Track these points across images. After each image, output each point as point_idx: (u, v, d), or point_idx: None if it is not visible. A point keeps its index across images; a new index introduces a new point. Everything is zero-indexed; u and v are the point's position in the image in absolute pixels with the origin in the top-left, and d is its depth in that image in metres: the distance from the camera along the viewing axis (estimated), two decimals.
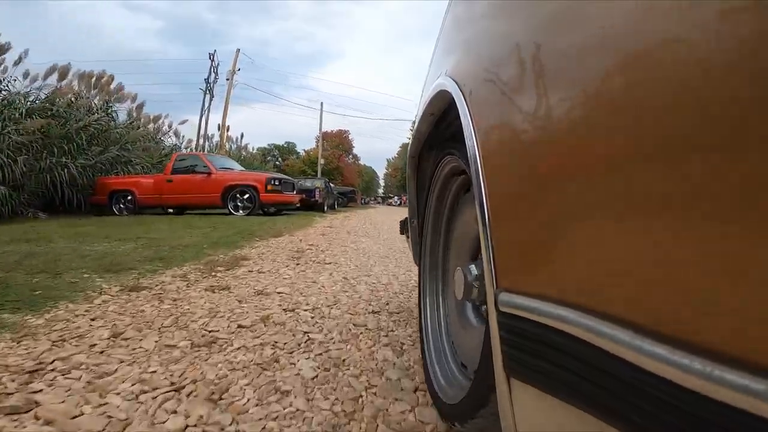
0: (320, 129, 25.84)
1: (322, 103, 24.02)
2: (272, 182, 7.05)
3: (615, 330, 0.24)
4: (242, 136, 16.88)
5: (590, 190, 0.29)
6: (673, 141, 0.22)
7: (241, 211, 6.83)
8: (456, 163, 0.82)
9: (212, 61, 17.12)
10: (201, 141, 14.57)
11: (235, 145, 16.22)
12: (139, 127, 9.24)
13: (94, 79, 8.07)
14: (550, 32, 0.37)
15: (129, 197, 7.11)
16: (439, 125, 0.90)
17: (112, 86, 8.52)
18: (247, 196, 6.92)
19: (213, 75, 17.40)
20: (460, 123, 0.55)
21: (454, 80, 0.63)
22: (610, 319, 0.25)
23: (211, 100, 17.18)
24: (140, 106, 9.48)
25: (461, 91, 0.58)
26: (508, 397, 0.38)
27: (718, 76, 0.20)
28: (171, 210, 7.55)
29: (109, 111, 8.32)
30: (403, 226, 1.39)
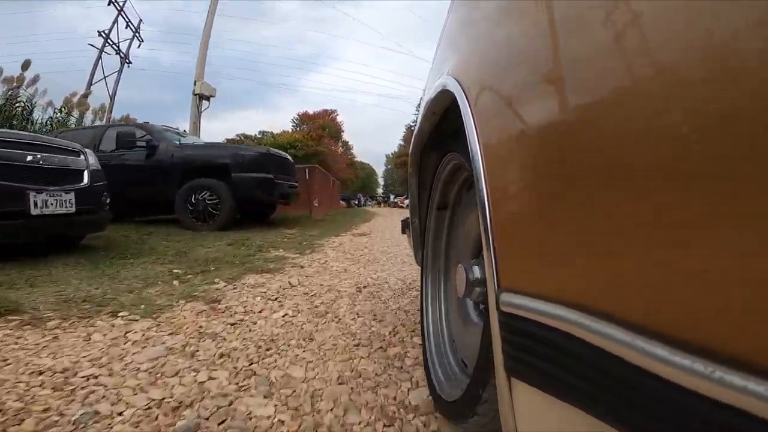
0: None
1: None
2: None
3: (616, 330, 0.24)
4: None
5: (592, 191, 0.29)
6: (674, 141, 0.22)
7: None
8: (458, 161, 0.82)
9: (120, 9, 10.20)
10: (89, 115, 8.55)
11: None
12: None
13: None
14: (551, 33, 0.37)
15: None
16: (441, 124, 0.90)
17: None
18: None
19: (133, 34, 10.10)
20: (462, 122, 0.55)
21: (456, 80, 0.63)
22: (612, 319, 0.25)
23: (123, 66, 10.31)
24: None
25: (463, 90, 0.58)
26: (508, 397, 0.38)
27: (718, 79, 0.20)
28: None
29: None
30: (405, 226, 1.40)
